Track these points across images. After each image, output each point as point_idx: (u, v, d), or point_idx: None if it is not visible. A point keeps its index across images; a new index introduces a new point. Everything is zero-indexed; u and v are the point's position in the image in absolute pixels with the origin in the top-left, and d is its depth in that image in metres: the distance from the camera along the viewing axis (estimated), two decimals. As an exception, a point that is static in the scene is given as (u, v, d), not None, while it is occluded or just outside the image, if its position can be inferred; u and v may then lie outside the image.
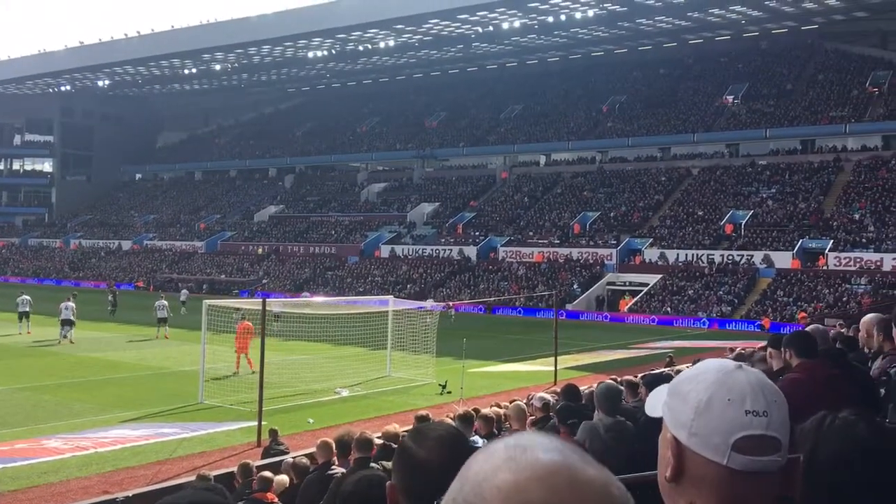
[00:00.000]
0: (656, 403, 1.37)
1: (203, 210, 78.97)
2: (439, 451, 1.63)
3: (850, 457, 1.55)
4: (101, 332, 32.17)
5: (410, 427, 8.94)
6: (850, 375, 4.31)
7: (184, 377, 21.76)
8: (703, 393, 1.24)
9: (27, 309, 31.12)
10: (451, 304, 39.23)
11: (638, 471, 2.59)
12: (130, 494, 9.56)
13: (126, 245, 74.34)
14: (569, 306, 44.28)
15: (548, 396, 9.25)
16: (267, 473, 7.95)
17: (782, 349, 4.66)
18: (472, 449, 1.90)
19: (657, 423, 1.50)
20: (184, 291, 45.19)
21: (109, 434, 15.56)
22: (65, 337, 28.66)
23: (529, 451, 0.81)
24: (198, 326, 21.28)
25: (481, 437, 7.37)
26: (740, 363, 1.30)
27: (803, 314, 37.36)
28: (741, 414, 1.22)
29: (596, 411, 5.62)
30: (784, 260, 43.66)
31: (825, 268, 42.23)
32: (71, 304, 29.22)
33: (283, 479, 8.36)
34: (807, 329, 5.25)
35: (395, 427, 8.50)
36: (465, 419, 7.01)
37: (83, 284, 60.68)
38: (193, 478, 9.68)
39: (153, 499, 8.38)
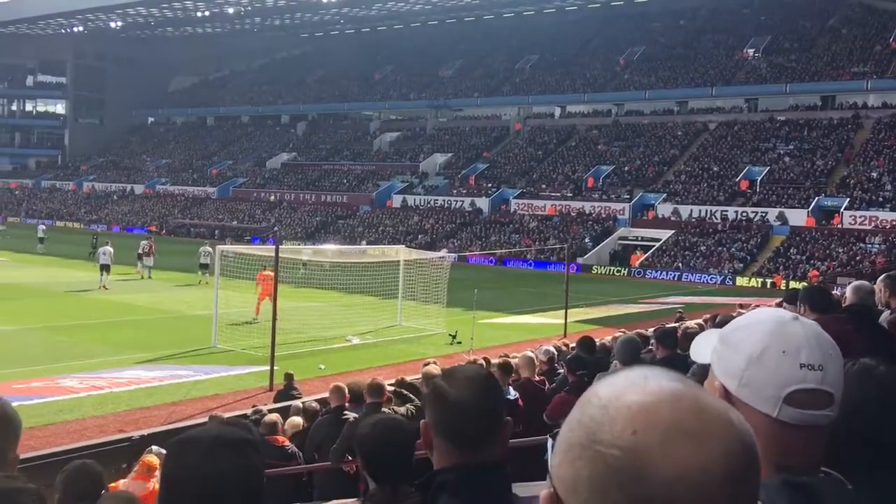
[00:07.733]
0: (704, 349, 1.34)
1: (215, 156, 78.86)
2: (472, 389, 1.70)
3: (869, 400, 1.53)
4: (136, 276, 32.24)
5: (422, 373, 9.00)
6: (866, 330, 4.32)
7: (197, 321, 21.96)
8: (758, 343, 1.22)
9: (207, 261, 29.68)
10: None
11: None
12: (146, 433, 9.72)
13: (139, 189, 74.53)
14: (580, 260, 44.27)
15: (552, 349, 9.30)
16: (273, 416, 7.85)
17: (798, 304, 4.69)
18: (502, 390, 1.92)
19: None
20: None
21: (124, 374, 15.78)
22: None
23: (652, 378, 0.83)
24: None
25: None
26: (796, 314, 1.27)
27: (815, 273, 37.22)
28: (796, 367, 1.20)
29: (614, 362, 5.62)
30: (799, 218, 43.34)
31: (840, 226, 41.92)
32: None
33: (297, 420, 8.49)
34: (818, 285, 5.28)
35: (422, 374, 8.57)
36: (505, 368, 7.10)
37: (94, 227, 60.87)
38: (206, 419, 9.84)
39: (168, 438, 8.51)
